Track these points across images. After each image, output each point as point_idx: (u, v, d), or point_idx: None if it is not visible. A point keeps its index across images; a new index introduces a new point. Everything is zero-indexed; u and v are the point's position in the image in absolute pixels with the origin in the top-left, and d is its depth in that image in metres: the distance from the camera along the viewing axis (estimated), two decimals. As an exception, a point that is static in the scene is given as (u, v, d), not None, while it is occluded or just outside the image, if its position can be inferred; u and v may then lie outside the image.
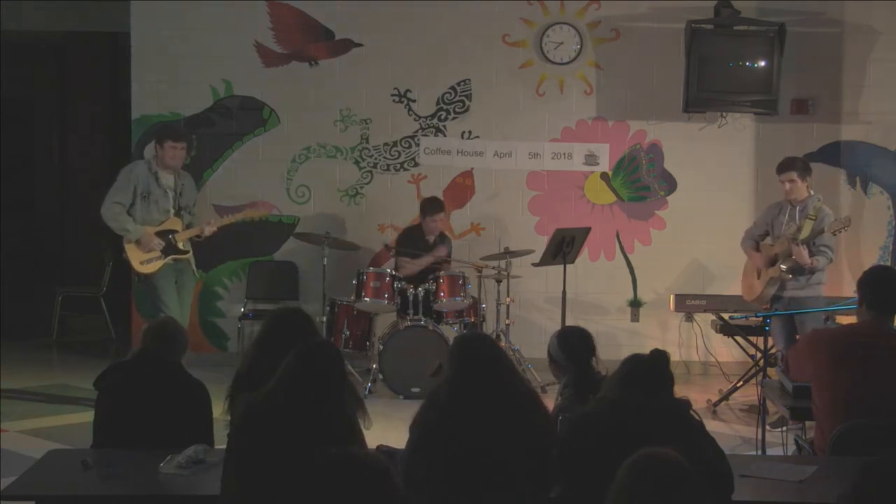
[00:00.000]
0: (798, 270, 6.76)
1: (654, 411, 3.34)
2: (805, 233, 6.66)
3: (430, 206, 8.00)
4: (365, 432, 3.59)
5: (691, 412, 3.46)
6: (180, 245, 7.18)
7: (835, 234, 6.68)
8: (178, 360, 4.34)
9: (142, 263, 7.07)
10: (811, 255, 6.68)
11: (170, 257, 7.12)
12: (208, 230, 7.30)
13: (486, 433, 3.33)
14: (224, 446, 3.49)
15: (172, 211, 7.18)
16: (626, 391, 3.39)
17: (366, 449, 3.51)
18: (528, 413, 3.46)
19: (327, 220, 8.52)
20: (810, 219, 6.69)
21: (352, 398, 3.57)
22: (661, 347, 3.55)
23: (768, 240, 7.07)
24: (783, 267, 6.76)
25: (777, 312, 6.79)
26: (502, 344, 7.73)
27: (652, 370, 3.44)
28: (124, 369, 4.31)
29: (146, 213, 7.10)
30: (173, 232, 7.14)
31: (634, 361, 3.48)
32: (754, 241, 7.17)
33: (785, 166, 6.95)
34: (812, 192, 6.93)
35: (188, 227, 7.27)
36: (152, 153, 7.38)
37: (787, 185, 6.87)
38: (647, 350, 3.54)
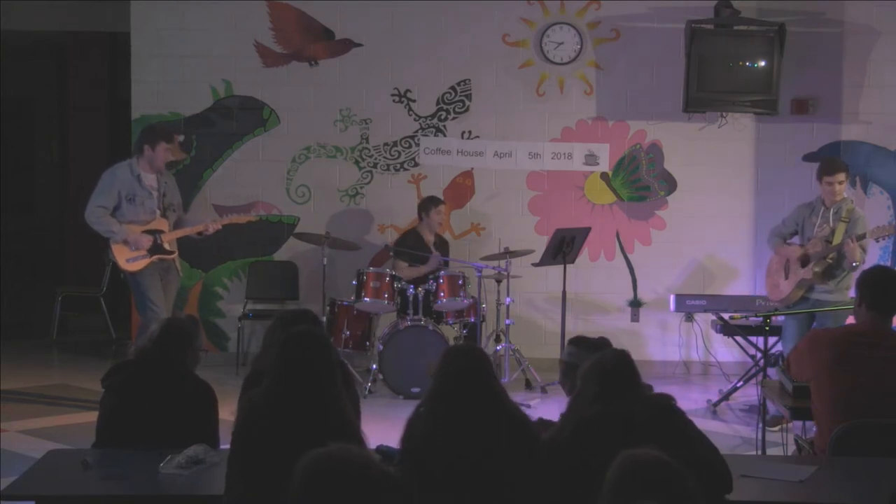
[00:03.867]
0: (829, 274, 6.63)
1: (643, 412, 3.36)
2: (838, 236, 6.55)
3: (432, 201, 8.06)
4: (365, 432, 3.59)
5: (676, 408, 3.50)
6: (166, 246, 7.20)
7: (878, 241, 6.57)
8: (185, 361, 4.32)
9: (127, 261, 7.07)
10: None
11: (156, 256, 7.13)
12: (213, 227, 7.32)
13: (473, 440, 3.32)
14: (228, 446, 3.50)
15: (159, 212, 7.19)
16: (606, 398, 3.42)
17: (364, 446, 3.51)
18: (515, 419, 3.45)
19: (327, 220, 8.53)
20: (843, 221, 6.57)
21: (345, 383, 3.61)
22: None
23: (796, 239, 6.96)
24: (816, 270, 6.61)
25: (777, 312, 6.76)
26: (502, 344, 7.75)
27: (620, 373, 3.47)
28: (131, 368, 4.30)
29: (133, 215, 7.10)
30: (160, 232, 7.15)
31: (601, 368, 3.49)
32: (781, 240, 7.02)
33: (835, 167, 6.73)
34: (846, 195, 6.79)
35: (176, 225, 7.28)
36: (139, 153, 7.36)
37: (837, 187, 6.66)
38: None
